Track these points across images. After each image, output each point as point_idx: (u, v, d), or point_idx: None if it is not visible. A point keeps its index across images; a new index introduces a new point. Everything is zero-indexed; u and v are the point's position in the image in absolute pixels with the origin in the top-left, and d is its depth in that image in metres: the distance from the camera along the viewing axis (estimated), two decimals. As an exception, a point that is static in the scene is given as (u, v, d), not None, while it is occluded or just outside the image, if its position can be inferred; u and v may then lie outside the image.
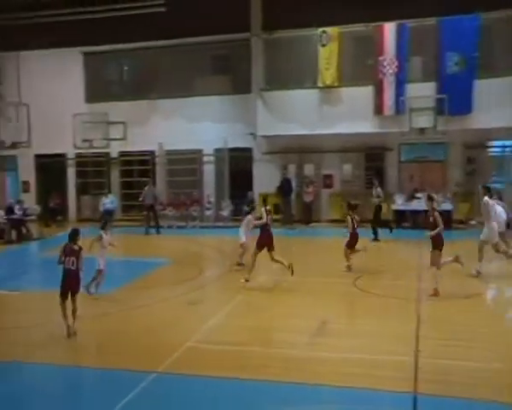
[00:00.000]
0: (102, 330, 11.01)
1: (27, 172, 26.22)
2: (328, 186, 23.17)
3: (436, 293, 11.91)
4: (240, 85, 23.99)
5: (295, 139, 22.52)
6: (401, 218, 21.55)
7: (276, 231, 15.98)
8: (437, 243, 12.02)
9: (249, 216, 15.23)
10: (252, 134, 23.07)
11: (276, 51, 23.22)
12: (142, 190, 22.16)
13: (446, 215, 19.64)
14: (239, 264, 15.06)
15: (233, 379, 8.31)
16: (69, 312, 10.28)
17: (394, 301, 12.00)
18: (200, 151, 24.14)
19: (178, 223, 22.94)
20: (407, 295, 12.18)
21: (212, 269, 15.61)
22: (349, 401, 7.61)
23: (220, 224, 22.18)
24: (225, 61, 25.07)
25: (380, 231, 18.65)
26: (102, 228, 12.84)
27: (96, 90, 25.57)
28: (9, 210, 21.29)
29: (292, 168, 23.44)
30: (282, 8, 21.77)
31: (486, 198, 13.56)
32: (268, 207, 14.00)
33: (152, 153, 24.68)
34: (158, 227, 21.72)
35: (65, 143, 24.71)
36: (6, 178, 26.64)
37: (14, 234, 20.88)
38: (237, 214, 22.36)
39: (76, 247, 10.36)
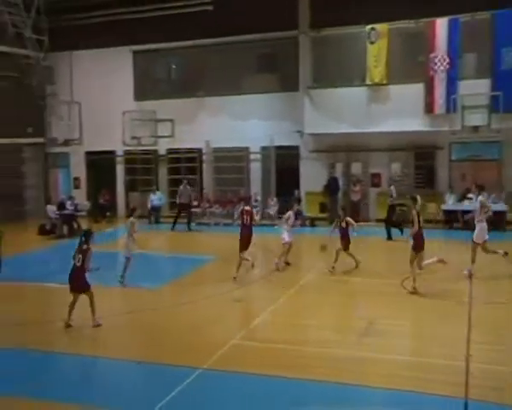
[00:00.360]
0: (149, 324, 11.13)
1: (78, 168, 26.79)
2: (376, 185, 22.83)
3: (415, 291, 12.29)
4: (287, 83, 23.88)
5: (343, 137, 22.28)
6: (452, 218, 21.02)
7: (323, 230, 15.93)
8: (414, 245, 12.45)
9: (290, 212, 15.25)
10: (299, 132, 22.94)
11: (324, 49, 22.99)
12: (178, 188, 22.63)
13: (499, 216, 19.14)
14: (287, 263, 15.04)
15: (279, 378, 8.26)
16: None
17: (444, 303, 11.71)
18: (246, 149, 24.16)
19: (225, 220, 23.03)
20: (457, 298, 11.88)
21: (258, 267, 15.56)
22: (396, 404, 7.46)
23: (266, 222, 22.14)
24: (272, 59, 24.99)
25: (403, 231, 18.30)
26: (132, 216, 13.84)
27: (145, 88, 25.91)
28: (61, 206, 21.85)
29: (339, 167, 23.21)
30: (330, 5, 21.55)
31: (481, 198, 13.91)
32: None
33: (199, 150, 24.85)
34: (189, 224, 22.02)
35: (114, 141, 25.15)
36: (58, 174, 27.30)
37: (65, 229, 21.40)
38: (283, 213, 22.33)
39: (85, 246, 10.75)
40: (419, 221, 12.48)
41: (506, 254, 13.71)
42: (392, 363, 8.65)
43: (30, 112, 24.80)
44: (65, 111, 25.18)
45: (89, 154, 26.33)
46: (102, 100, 25.36)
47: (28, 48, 23.23)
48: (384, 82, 21.41)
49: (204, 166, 24.94)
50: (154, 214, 23.97)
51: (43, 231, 21.07)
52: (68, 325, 10.72)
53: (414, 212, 12.54)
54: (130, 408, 7.58)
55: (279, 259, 14.92)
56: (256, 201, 23.74)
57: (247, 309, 12.27)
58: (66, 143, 25.04)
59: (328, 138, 22.61)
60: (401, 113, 20.71)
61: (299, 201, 22.42)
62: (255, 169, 24.27)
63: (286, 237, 14.90)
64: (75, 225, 21.46)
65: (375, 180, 22.82)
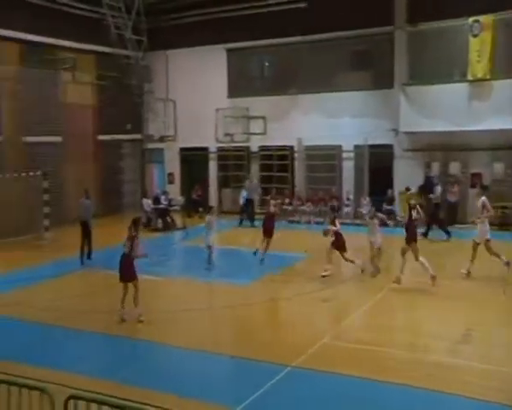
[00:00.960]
0: (240, 320, 11.22)
1: (173, 164, 27.49)
2: (474, 186, 21.78)
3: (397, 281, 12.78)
4: (381, 80, 23.32)
5: (440, 136, 21.44)
6: None
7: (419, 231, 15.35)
8: (406, 237, 12.91)
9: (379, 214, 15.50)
10: (393, 130, 22.34)
11: (421, 44, 22.22)
12: (244, 183, 22.85)
13: None
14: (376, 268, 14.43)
15: (368, 380, 8.07)
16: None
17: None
18: (339, 147, 23.82)
19: (316, 219, 22.87)
20: None
21: (349, 267, 15.30)
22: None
23: (359, 221, 21.72)
24: (366, 56, 24.45)
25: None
26: (209, 213, 15.86)
27: (238, 86, 26.18)
28: (156, 200, 22.54)
29: (435, 166, 22.36)
30: (428, -2, 20.83)
31: (484, 198, 13.77)
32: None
33: (291, 148, 24.79)
34: (252, 220, 22.24)
35: (207, 137, 25.60)
36: (154, 169, 28.16)
37: (159, 223, 22.05)
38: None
39: (134, 233, 10.93)
40: (411, 214, 12.96)
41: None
42: (489, 373, 8.20)
43: (129, 110, 25.76)
44: (161, 108, 25.93)
45: (183, 150, 26.95)
46: (196, 97, 25.86)
47: (128, 48, 24.11)
48: (487, 77, 20.40)
49: (296, 163, 24.85)
50: (245, 210, 24.17)
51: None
52: (123, 320, 10.79)
53: (411, 204, 13.09)
54: (220, 401, 7.64)
55: (370, 262, 14.44)
56: (348, 199, 23.41)
57: (337, 309, 12.08)
58: (162, 139, 25.80)
59: (424, 137, 21.86)
60: (506, 109, 19.63)
61: (391, 201, 21.96)
62: (348, 168, 23.89)
63: (378, 239, 14.41)
64: (169, 220, 22.06)
65: (476, 181, 21.76)
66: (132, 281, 10.87)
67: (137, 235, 11.03)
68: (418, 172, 22.24)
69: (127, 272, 10.85)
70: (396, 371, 8.38)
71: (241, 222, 22.67)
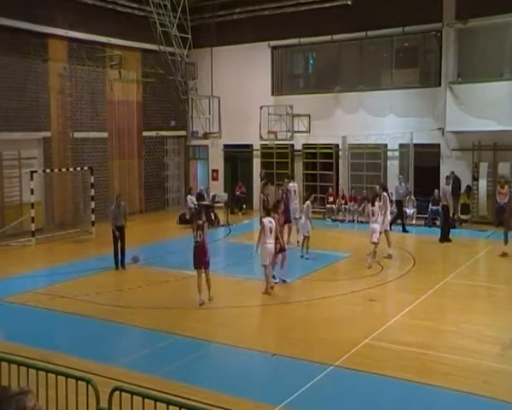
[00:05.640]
0: (283, 318, 11.20)
1: (216, 161, 27.62)
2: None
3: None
4: (427, 78, 22.88)
5: (489, 135, 20.90)
6: None
7: (466, 233, 15.08)
8: None
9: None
10: (440, 129, 21.91)
11: (471, 41, 21.71)
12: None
13: None
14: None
15: (412, 382, 7.94)
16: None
17: None
18: (384, 146, 23.49)
19: (360, 218, 22.64)
20: None
21: (394, 266, 15.10)
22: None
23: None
24: (412, 54, 24.06)
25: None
26: (308, 200, 16.06)
27: (282, 83, 26.08)
28: (200, 196, 22.68)
29: (483, 167, 21.80)
30: (479, -6, 20.32)
31: None
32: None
33: (335, 146, 24.58)
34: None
35: (251, 135, 25.59)
36: (197, 166, 28.34)
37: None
38: (421, 212, 21.54)
39: (201, 222, 11.72)
40: None
41: None
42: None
43: (173, 106, 26.01)
44: (205, 105, 26.06)
45: (226, 147, 27.05)
46: (241, 94, 25.90)
47: (174, 45, 24.31)
48: (538, 75, 19.80)
49: (340, 162, 24.62)
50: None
51: (182, 220, 21.98)
52: (202, 303, 11.44)
53: None
54: (261, 399, 7.64)
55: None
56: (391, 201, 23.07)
57: (381, 309, 11.91)
58: (206, 136, 25.92)
59: (472, 136, 21.34)
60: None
61: (438, 201, 21.51)
62: (392, 167, 23.54)
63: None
64: (212, 216, 22.16)
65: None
66: (208, 268, 11.66)
67: (205, 223, 11.92)
68: (466, 171, 21.76)
69: (204, 260, 11.60)
70: (439, 374, 8.22)
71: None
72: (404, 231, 20.11)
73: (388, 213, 16.28)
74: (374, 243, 14.72)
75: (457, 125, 21.15)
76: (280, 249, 12.93)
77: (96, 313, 11.18)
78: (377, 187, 17.04)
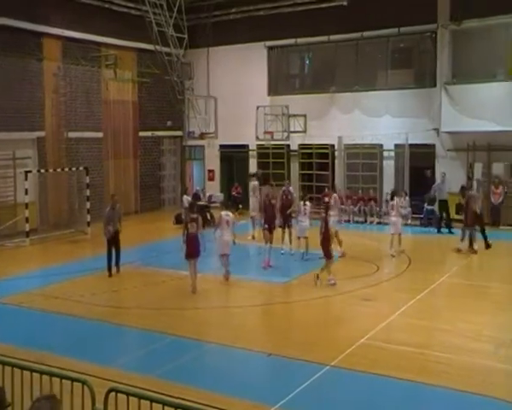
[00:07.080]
0: (279, 318, 11.19)
1: (212, 161, 27.59)
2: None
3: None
4: (422, 79, 22.91)
5: (483, 136, 20.95)
6: None
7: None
8: None
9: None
10: (435, 130, 21.96)
11: (465, 42, 21.76)
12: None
13: None
14: None
15: (408, 381, 7.95)
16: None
17: None
18: (380, 146, 23.52)
19: (356, 218, 22.66)
20: None
21: (389, 267, 15.13)
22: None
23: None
24: (407, 54, 24.12)
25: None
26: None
27: (278, 84, 26.09)
28: (196, 197, 22.62)
29: (478, 167, 21.85)
30: (473, -5, 20.37)
31: None
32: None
33: (331, 146, 24.58)
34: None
35: (247, 135, 25.54)
36: (193, 166, 28.29)
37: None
38: (416, 213, 21.53)
39: (195, 215, 12.48)
40: None
41: None
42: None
43: (169, 106, 25.96)
44: (201, 105, 26.02)
45: (223, 147, 27.02)
46: (237, 94, 25.87)
47: (170, 45, 24.26)
48: (533, 76, 19.86)
49: (336, 162, 24.62)
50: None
51: (178, 221, 21.93)
52: (194, 290, 12.16)
53: None
54: (257, 399, 7.62)
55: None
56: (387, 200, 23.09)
57: (376, 309, 11.89)
58: (202, 136, 25.87)
59: (466, 137, 21.40)
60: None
61: (433, 201, 21.56)
62: (388, 167, 23.58)
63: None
64: (208, 216, 22.11)
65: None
66: (198, 257, 12.38)
67: (199, 215, 12.59)
68: (461, 172, 21.82)
69: (197, 249, 12.31)
70: (435, 372, 8.24)
71: None
72: (450, 232, 19.61)
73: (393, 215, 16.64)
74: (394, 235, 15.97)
75: (452, 125, 21.21)
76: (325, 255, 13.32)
77: (92, 314, 11.15)
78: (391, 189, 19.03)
